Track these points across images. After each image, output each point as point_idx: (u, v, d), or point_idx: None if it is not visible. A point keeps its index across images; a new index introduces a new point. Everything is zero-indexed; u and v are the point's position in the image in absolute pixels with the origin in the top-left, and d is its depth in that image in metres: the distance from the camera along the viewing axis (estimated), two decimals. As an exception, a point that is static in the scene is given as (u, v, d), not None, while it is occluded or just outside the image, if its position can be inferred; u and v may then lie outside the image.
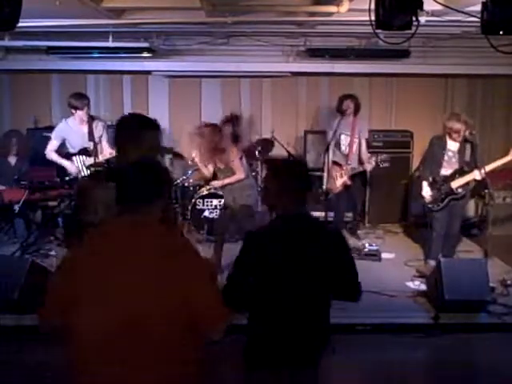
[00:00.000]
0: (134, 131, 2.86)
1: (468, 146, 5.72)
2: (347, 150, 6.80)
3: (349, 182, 6.74)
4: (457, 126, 5.61)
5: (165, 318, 1.93)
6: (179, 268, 1.98)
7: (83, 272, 1.96)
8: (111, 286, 1.93)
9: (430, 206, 5.82)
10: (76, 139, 5.92)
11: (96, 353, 1.91)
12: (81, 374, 1.95)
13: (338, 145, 6.82)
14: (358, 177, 6.91)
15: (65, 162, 5.96)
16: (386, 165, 6.53)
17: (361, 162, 6.78)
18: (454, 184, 5.70)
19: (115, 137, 2.95)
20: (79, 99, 5.89)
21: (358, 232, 7.26)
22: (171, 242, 2.10)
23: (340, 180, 6.74)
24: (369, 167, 6.65)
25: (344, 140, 6.81)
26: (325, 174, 6.82)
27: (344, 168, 6.74)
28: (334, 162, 6.77)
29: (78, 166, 5.92)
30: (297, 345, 2.55)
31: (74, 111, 5.88)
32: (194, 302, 1.98)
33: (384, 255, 6.36)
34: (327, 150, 6.66)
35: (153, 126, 2.92)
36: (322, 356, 2.69)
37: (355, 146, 6.80)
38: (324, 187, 6.87)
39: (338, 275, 2.60)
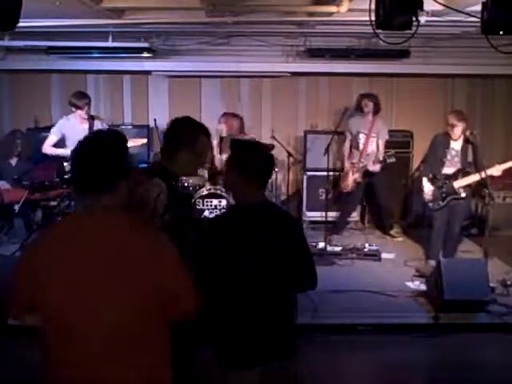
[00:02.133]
0: (194, 135, 2.85)
1: (470, 148, 5.71)
2: (361, 149, 6.85)
3: (359, 179, 6.77)
4: (455, 121, 5.61)
5: (138, 310, 1.85)
6: (147, 254, 1.89)
7: (47, 269, 1.86)
8: (77, 284, 1.84)
9: (430, 204, 5.82)
10: (76, 136, 5.89)
11: (68, 351, 1.84)
12: (55, 373, 1.89)
13: (356, 144, 6.88)
14: (376, 176, 6.88)
15: (61, 151, 5.95)
16: (392, 160, 6.52)
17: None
18: (457, 184, 5.69)
19: (167, 135, 2.90)
20: (80, 98, 5.91)
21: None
22: (135, 231, 1.95)
23: (351, 177, 6.79)
24: (371, 168, 6.66)
25: (362, 139, 6.88)
26: (343, 175, 6.94)
27: (356, 165, 6.79)
28: (352, 163, 6.86)
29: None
30: (264, 338, 2.50)
31: (74, 110, 5.91)
32: (167, 287, 1.90)
33: (384, 255, 6.35)
34: (326, 151, 6.66)
35: (207, 132, 2.92)
36: (293, 346, 2.64)
37: (371, 146, 6.85)
38: (338, 186, 7.00)
39: (297, 262, 2.55)
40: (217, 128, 6.83)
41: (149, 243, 1.93)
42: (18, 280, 1.94)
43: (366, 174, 6.80)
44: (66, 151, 5.92)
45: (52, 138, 6.01)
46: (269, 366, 2.52)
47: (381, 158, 6.68)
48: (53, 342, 1.87)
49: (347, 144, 7.01)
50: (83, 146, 1.97)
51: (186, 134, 2.84)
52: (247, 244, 2.47)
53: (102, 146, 1.95)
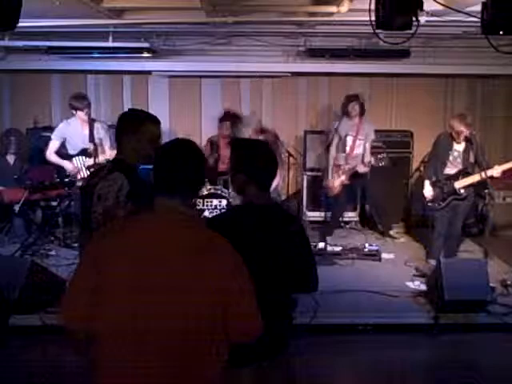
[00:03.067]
0: (135, 124, 2.92)
1: (471, 148, 5.71)
2: (354, 152, 6.80)
3: (346, 182, 6.73)
4: (459, 127, 5.60)
5: (195, 320, 1.81)
6: (217, 267, 1.84)
7: (111, 268, 1.83)
8: (141, 284, 1.80)
9: (430, 204, 5.82)
10: (76, 140, 5.93)
11: (121, 353, 1.82)
12: (105, 374, 1.86)
13: (343, 146, 6.82)
14: (365, 177, 6.88)
15: (65, 163, 5.96)
16: (383, 163, 6.48)
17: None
18: (458, 184, 5.69)
19: (116, 131, 2.99)
20: (79, 100, 5.91)
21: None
22: (206, 239, 1.92)
23: (338, 180, 6.74)
24: (361, 169, 6.62)
25: (350, 141, 6.82)
26: (326, 176, 6.83)
27: (342, 168, 6.74)
28: (337, 165, 6.77)
29: (77, 167, 5.92)
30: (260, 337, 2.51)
31: (74, 112, 5.90)
32: (231, 309, 1.84)
33: (384, 255, 6.35)
34: (327, 150, 6.67)
35: (152, 119, 2.97)
36: (286, 344, 2.62)
37: (358, 149, 6.79)
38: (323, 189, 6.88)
39: (297, 264, 2.50)
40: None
41: (214, 256, 1.88)
42: (77, 285, 1.91)
43: (356, 176, 6.73)
44: (69, 165, 5.92)
45: (54, 143, 6.00)
46: (262, 364, 2.50)
47: (368, 159, 6.64)
48: (106, 349, 1.84)
49: (334, 147, 6.83)
50: (175, 149, 2.00)
51: (126, 124, 2.96)
52: (245, 243, 2.46)
53: (196, 153, 2.01)
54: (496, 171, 5.57)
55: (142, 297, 1.80)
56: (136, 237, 1.88)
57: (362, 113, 6.79)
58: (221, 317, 1.84)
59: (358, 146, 6.78)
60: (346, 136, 6.79)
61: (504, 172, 5.60)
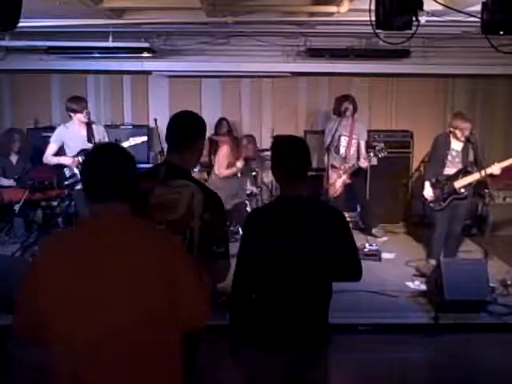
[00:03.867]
0: (204, 129, 2.81)
1: (470, 148, 5.71)
2: (345, 152, 6.80)
3: (348, 181, 6.73)
4: (463, 124, 5.62)
5: (149, 321, 1.83)
6: (162, 262, 1.87)
7: (56, 281, 1.82)
8: (88, 295, 1.81)
9: (431, 205, 5.82)
10: (75, 142, 5.91)
11: (77, 363, 1.81)
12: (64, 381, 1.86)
13: (336, 147, 6.80)
14: (359, 176, 6.91)
15: (62, 159, 5.95)
16: (384, 154, 6.49)
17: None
18: (458, 184, 5.70)
19: (181, 134, 2.75)
20: (77, 102, 5.89)
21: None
22: (150, 237, 1.95)
23: (339, 180, 6.72)
24: (364, 164, 6.64)
25: (344, 142, 6.81)
26: (325, 179, 6.80)
27: (342, 168, 6.73)
28: (333, 166, 6.76)
29: (76, 160, 5.90)
30: (294, 324, 2.51)
31: (72, 114, 5.87)
32: (180, 299, 1.88)
33: (384, 255, 6.36)
34: (327, 150, 6.67)
35: None
36: (323, 339, 2.60)
37: (353, 148, 6.80)
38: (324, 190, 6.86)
39: (339, 254, 2.54)
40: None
41: (160, 251, 1.90)
42: (23, 294, 1.92)
43: (356, 173, 6.79)
44: (67, 159, 5.92)
45: (52, 146, 5.97)
46: (295, 355, 2.51)
47: (365, 155, 6.68)
48: (58, 355, 1.84)
49: (327, 146, 6.76)
50: (96, 156, 2.00)
51: (200, 127, 2.78)
52: (284, 231, 2.50)
53: (116, 156, 1.98)
54: (496, 168, 5.57)
55: (89, 304, 1.80)
56: (76, 246, 1.88)
57: (354, 112, 6.79)
58: (170, 306, 1.86)
59: (353, 145, 6.80)
60: (339, 136, 6.77)
61: (503, 169, 5.60)
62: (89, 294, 1.80)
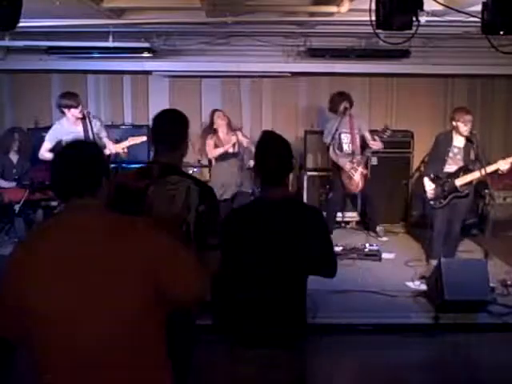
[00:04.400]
0: (188, 127, 2.85)
1: (472, 146, 5.71)
2: (351, 148, 6.80)
3: (365, 171, 6.73)
4: (465, 116, 5.61)
5: (130, 307, 1.81)
6: (134, 247, 1.85)
7: (33, 276, 1.81)
8: (68, 284, 1.79)
9: (432, 202, 5.80)
10: (71, 138, 5.88)
11: (62, 357, 1.80)
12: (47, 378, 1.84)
13: (339, 145, 6.79)
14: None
15: None
16: (388, 133, 6.45)
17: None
18: (458, 182, 5.68)
19: (173, 134, 2.79)
20: (71, 97, 5.76)
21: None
22: (120, 224, 1.94)
23: (356, 174, 6.69)
24: (375, 145, 6.58)
25: (345, 138, 6.81)
26: (346, 176, 6.73)
27: (354, 161, 6.70)
28: (338, 165, 6.74)
29: None
30: (271, 324, 2.52)
31: (67, 110, 5.78)
32: (160, 276, 1.85)
33: (384, 255, 6.35)
34: (328, 149, 6.66)
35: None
36: (299, 338, 2.62)
37: (358, 141, 6.81)
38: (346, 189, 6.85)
39: (315, 251, 2.57)
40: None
41: (136, 241, 1.88)
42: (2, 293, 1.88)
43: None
44: None
45: (47, 144, 5.91)
46: (270, 352, 2.51)
47: (371, 138, 6.68)
48: (41, 350, 1.83)
49: (331, 148, 6.76)
50: (61, 156, 2.01)
51: (186, 126, 2.83)
52: (261, 232, 2.52)
53: (79, 152, 1.99)
54: (504, 163, 5.52)
55: (72, 296, 1.79)
56: (54, 238, 1.87)
57: (350, 108, 6.80)
58: (156, 293, 1.84)
59: (357, 139, 6.80)
60: (339, 134, 6.76)
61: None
62: (67, 291, 1.79)
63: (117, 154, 5.99)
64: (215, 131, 6.52)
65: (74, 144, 2.07)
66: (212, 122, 6.57)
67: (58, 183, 1.98)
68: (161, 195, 2.62)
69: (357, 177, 6.70)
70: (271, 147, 2.66)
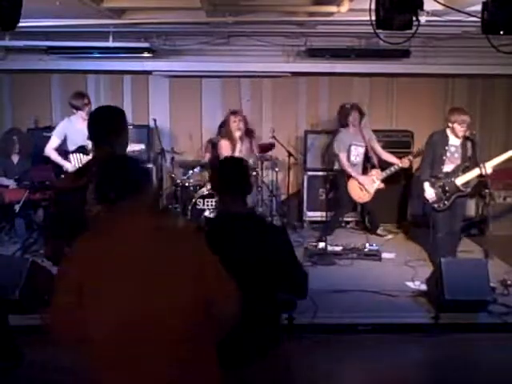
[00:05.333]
0: (125, 121, 3.00)
1: (469, 144, 5.69)
2: (357, 159, 6.82)
3: (382, 185, 6.72)
4: (462, 116, 5.57)
5: (180, 311, 1.88)
6: (186, 252, 1.96)
7: (96, 271, 1.88)
8: (121, 286, 1.86)
9: (434, 205, 5.70)
10: (77, 136, 5.90)
11: (112, 354, 1.85)
12: (99, 376, 1.89)
13: (347, 157, 6.78)
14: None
15: (62, 162, 5.95)
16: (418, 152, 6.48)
17: (387, 163, 6.79)
18: (459, 181, 5.64)
19: (105, 128, 2.94)
20: (79, 99, 5.90)
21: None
22: (173, 231, 2.06)
23: (374, 187, 6.69)
24: (406, 164, 6.61)
25: (355, 151, 6.80)
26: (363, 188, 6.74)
27: (374, 173, 6.72)
28: (349, 174, 6.74)
29: (74, 164, 5.91)
30: (243, 342, 2.48)
31: (75, 111, 5.91)
32: (206, 282, 1.95)
33: (384, 255, 6.35)
34: (327, 150, 6.66)
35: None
36: (271, 346, 2.60)
37: (369, 152, 6.85)
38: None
39: (282, 272, 2.59)
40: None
41: (187, 244, 2.00)
42: (61, 293, 1.93)
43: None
44: (66, 164, 5.91)
45: (55, 140, 5.98)
46: (248, 367, 2.50)
47: (391, 157, 6.76)
48: (100, 351, 1.87)
49: (344, 159, 6.73)
50: (110, 163, 2.11)
51: (122, 120, 3.13)
52: (227, 246, 2.47)
53: (127, 157, 2.17)
54: (507, 155, 5.56)
55: (131, 296, 1.85)
56: (118, 238, 1.94)
57: (361, 119, 6.85)
58: (204, 302, 1.93)
59: (369, 151, 6.83)
60: (349, 146, 6.77)
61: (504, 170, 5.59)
62: (119, 292, 1.86)
63: None
64: (230, 133, 6.44)
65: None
66: (227, 124, 6.55)
67: (105, 187, 2.02)
68: None
69: (372, 189, 6.70)
70: (234, 164, 2.79)
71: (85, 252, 1.94)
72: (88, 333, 1.87)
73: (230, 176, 2.68)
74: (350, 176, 6.71)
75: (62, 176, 5.64)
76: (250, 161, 6.46)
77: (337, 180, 7.01)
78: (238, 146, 6.37)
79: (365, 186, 6.67)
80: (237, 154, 6.25)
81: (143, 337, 1.84)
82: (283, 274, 2.61)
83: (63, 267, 2.01)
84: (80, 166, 2.97)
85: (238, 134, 6.41)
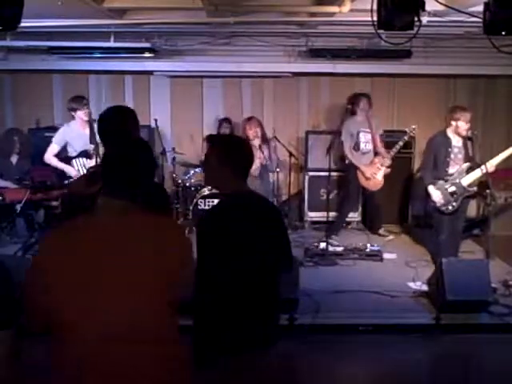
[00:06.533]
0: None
1: (470, 143, 5.69)
2: (368, 147, 6.91)
3: (388, 170, 6.82)
4: (465, 114, 5.57)
5: (155, 305, 1.91)
6: (164, 243, 1.96)
7: (61, 267, 1.87)
8: (93, 277, 1.87)
9: (443, 208, 5.66)
10: (78, 141, 5.91)
11: (86, 347, 1.85)
12: (71, 371, 1.90)
13: (356, 144, 6.87)
14: None
15: (65, 167, 5.95)
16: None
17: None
18: (465, 181, 5.63)
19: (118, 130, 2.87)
20: (77, 100, 5.90)
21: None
22: (157, 225, 2.04)
23: (379, 173, 6.79)
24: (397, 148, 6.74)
25: (363, 137, 6.90)
26: (364, 176, 6.85)
27: (377, 160, 6.83)
28: (355, 165, 6.84)
29: (78, 170, 5.91)
30: (246, 328, 2.49)
31: (74, 113, 5.89)
32: (174, 274, 1.96)
33: (385, 255, 6.35)
34: (328, 151, 6.65)
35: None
36: (269, 338, 2.59)
37: (377, 141, 6.97)
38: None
39: (277, 247, 2.60)
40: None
41: (161, 243, 1.98)
42: (31, 287, 1.93)
43: None
44: (69, 169, 5.91)
45: (54, 147, 5.96)
46: (242, 357, 2.48)
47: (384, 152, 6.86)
48: (65, 343, 1.89)
49: (348, 147, 6.86)
50: (121, 150, 2.07)
51: (137, 121, 2.96)
52: (236, 234, 2.50)
53: (143, 151, 2.09)
54: (508, 152, 5.58)
55: (96, 289, 1.86)
56: (85, 235, 1.94)
57: (370, 107, 6.96)
58: (168, 289, 1.94)
59: (376, 139, 6.95)
60: (358, 133, 6.87)
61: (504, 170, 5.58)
62: (93, 285, 1.86)
63: None
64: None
65: (140, 142, 2.18)
66: (243, 133, 6.59)
67: (116, 176, 2.02)
68: None
69: (380, 176, 6.80)
70: (237, 142, 2.76)
71: (57, 243, 1.94)
72: (55, 321, 1.88)
73: (244, 156, 2.63)
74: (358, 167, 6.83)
75: (76, 179, 5.61)
76: (271, 166, 6.49)
77: (348, 175, 7.08)
78: (258, 153, 6.36)
79: (369, 176, 6.79)
80: (257, 162, 6.26)
81: (106, 331, 1.85)
82: (282, 249, 2.63)
83: (37, 257, 2.02)
84: (91, 170, 2.94)
85: (256, 142, 6.43)
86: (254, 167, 6.18)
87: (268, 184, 6.71)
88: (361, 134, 6.89)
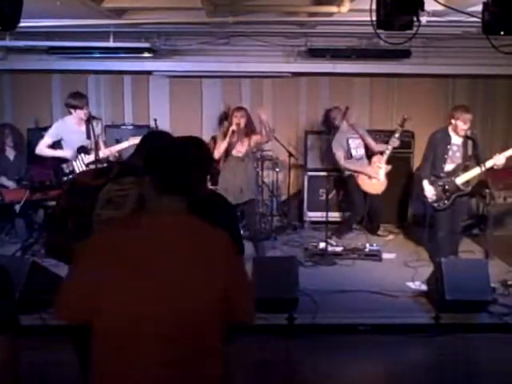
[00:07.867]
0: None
1: (470, 143, 5.69)
2: (359, 152, 6.94)
3: (389, 167, 6.83)
4: (465, 115, 5.58)
5: (205, 312, 1.87)
6: (219, 258, 1.93)
7: (112, 265, 1.83)
8: (145, 282, 1.82)
9: (434, 204, 5.73)
10: (73, 137, 5.89)
11: (125, 350, 1.82)
12: (107, 370, 1.85)
13: (348, 152, 6.88)
14: None
15: (58, 152, 5.93)
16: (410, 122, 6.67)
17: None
18: (459, 180, 5.64)
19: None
20: (78, 98, 5.84)
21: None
22: (208, 234, 1.98)
23: (382, 172, 6.79)
24: (396, 143, 6.70)
25: (352, 143, 6.92)
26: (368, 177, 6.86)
27: (375, 160, 6.84)
28: (354, 171, 6.85)
29: (78, 166, 5.91)
30: None
31: (73, 111, 5.84)
32: (232, 294, 1.92)
33: (385, 255, 6.35)
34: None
35: None
36: None
37: (368, 143, 7.01)
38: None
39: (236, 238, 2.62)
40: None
41: (212, 249, 1.95)
42: (76, 280, 1.90)
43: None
44: (64, 152, 5.90)
45: (47, 140, 5.93)
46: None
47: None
48: (108, 344, 1.84)
49: (342, 157, 6.86)
50: (178, 147, 2.03)
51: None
52: None
53: (200, 152, 2.15)
54: (499, 159, 5.55)
55: (146, 293, 1.81)
56: (139, 235, 1.89)
57: (343, 116, 7.03)
58: (222, 302, 1.90)
59: (368, 142, 7.01)
60: (347, 140, 6.89)
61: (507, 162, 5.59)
62: (139, 284, 1.82)
63: (108, 158, 6.01)
64: (233, 131, 6.20)
65: (194, 140, 2.24)
66: (229, 119, 6.40)
67: (171, 176, 1.94)
68: (111, 195, 2.62)
69: (382, 176, 6.79)
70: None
71: (106, 243, 1.90)
72: (96, 325, 1.84)
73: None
74: (356, 173, 6.78)
75: (83, 170, 5.63)
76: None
77: (346, 183, 7.06)
78: (227, 139, 6.13)
79: (373, 176, 6.77)
80: (222, 147, 6.10)
81: (153, 333, 1.81)
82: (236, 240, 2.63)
83: (82, 254, 1.94)
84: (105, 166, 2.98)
85: (233, 127, 6.23)
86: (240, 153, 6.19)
87: (252, 171, 6.45)
88: (350, 141, 6.91)
